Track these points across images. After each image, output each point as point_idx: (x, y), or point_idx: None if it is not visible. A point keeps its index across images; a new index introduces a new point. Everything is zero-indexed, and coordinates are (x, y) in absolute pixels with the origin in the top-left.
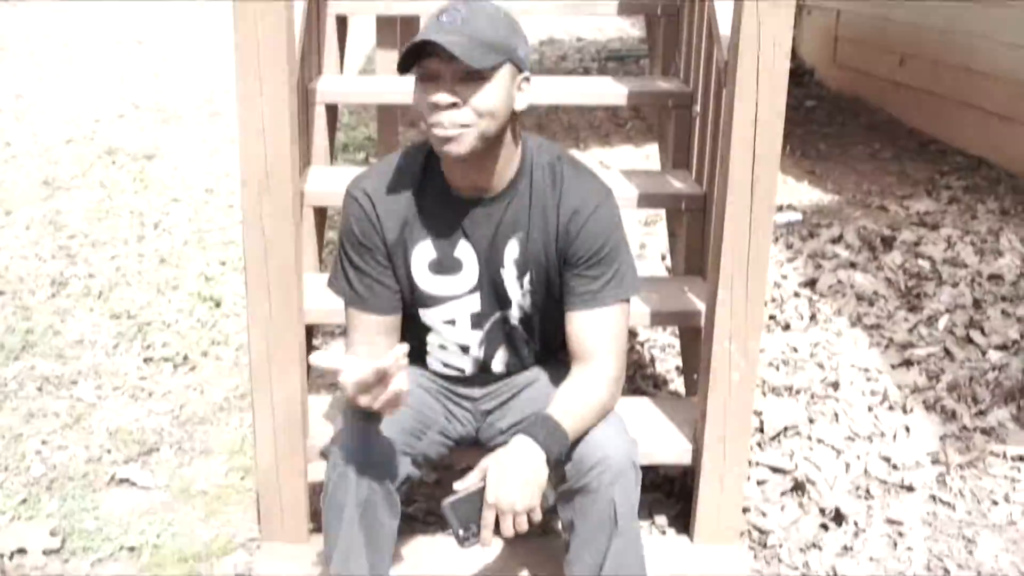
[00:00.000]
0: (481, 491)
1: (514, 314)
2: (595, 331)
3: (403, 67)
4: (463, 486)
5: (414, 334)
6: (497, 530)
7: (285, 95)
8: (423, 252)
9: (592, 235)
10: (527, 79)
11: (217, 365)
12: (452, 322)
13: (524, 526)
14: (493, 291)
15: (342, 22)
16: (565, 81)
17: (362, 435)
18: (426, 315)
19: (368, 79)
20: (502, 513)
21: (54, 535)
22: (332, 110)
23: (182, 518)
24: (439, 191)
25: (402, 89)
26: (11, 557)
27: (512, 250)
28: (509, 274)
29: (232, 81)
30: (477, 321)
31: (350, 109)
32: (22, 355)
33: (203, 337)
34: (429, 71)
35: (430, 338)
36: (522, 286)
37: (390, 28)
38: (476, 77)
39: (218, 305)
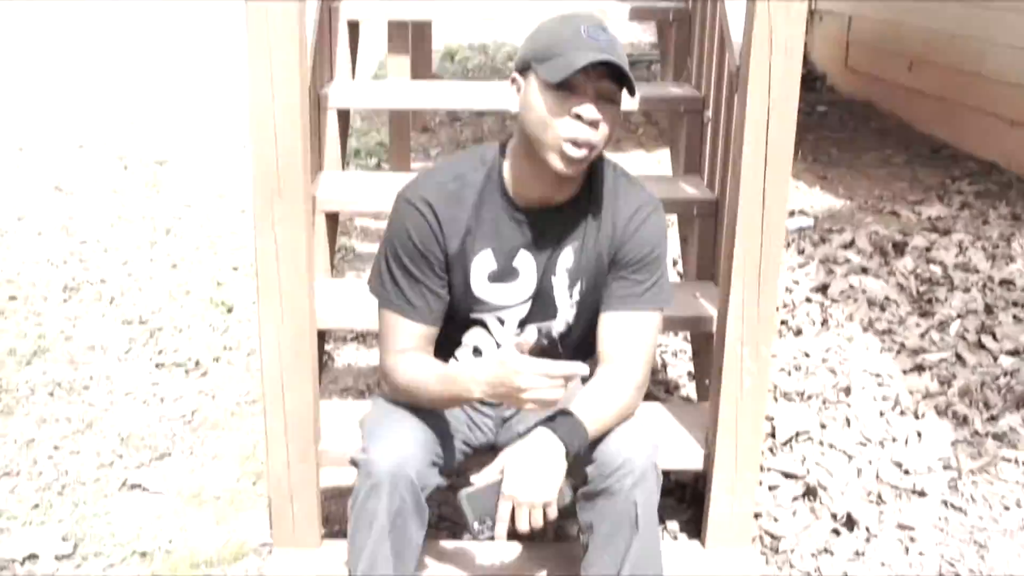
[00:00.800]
0: (498, 484)
1: (557, 326)
2: (628, 334)
3: (560, 82)
4: (481, 477)
5: (450, 338)
6: (512, 525)
7: (297, 101)
8: (483, 262)
9: (644, 239)
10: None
11: (229, 370)
12: (501, 321)
13: (539, 521)
14: (542, 300)
15: (354, 27)
16: None
17: (396, 446)
18: (477, 316)
19: (380, 84)
20: (518, 506)
21: (66, 540)
22: (344, 116)
23: (194, 523)
24: (501, 200)
25: (414, 95)
26: (23, 562)
27: (566, 259)
28: (560, 283)
29: (244, 85)
30: (521, 325)
31: (362, 115)
32: (34, 360)
33: (215, 342)
34: (576, 84)
35: (465, 339)
36: (571, 295)
37: (402, 34)
38: (612, 100)
39: (230, 310)
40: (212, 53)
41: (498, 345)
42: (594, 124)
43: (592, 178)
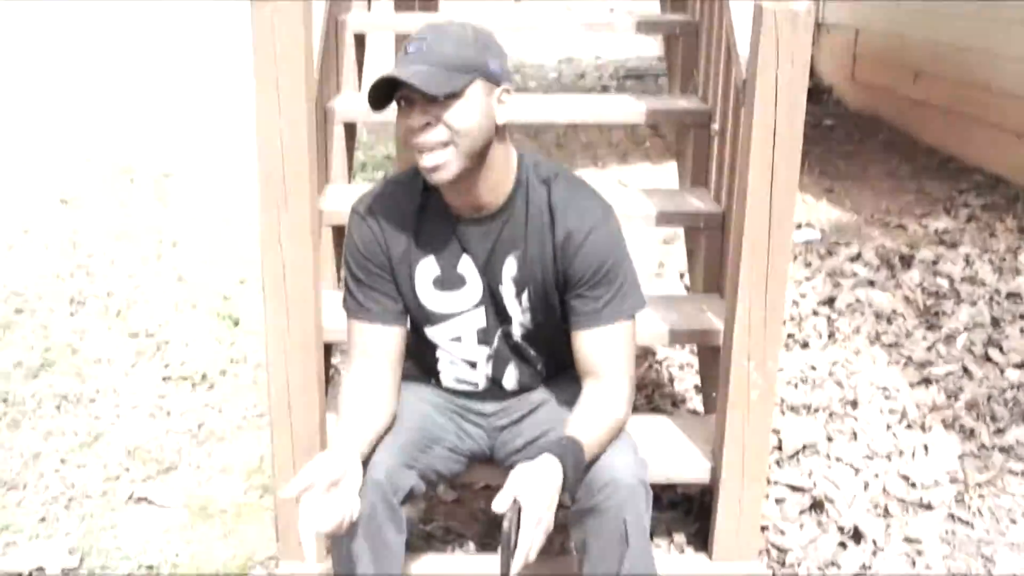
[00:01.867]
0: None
1: (516, 330)
2: (602, 350)
3: (377, 104)
4: (501, 508)
5: (424, 351)
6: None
7: (303, 113)
8: (426, 269)
9: (589, 256)
10: (507, 91)
11: (235, 383)
12: (458, 339)
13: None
14: (494, 306)
15: (360, 40)
16: (584, 99)
17: (337, 447)
18: (432, 333)
19: None
20: (542, 532)
21: (72, 553)
22: (351, 129)
23: (200, 536)
24: (439, 208)
25: None
26: None
27: (510, 268)
28: (508, 291)
29: (251, 99)
30: (484, 337)
31: (369, 128)
32: (40, 373)
33: (221, 355)
34: (404, 99)
35: (440, 355)
36: (520, 303)
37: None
38: (447, 97)
39: (236, 323)
40: (219, 66)
41: (472, 365)
42: (426, 127)
43: (521, 184)
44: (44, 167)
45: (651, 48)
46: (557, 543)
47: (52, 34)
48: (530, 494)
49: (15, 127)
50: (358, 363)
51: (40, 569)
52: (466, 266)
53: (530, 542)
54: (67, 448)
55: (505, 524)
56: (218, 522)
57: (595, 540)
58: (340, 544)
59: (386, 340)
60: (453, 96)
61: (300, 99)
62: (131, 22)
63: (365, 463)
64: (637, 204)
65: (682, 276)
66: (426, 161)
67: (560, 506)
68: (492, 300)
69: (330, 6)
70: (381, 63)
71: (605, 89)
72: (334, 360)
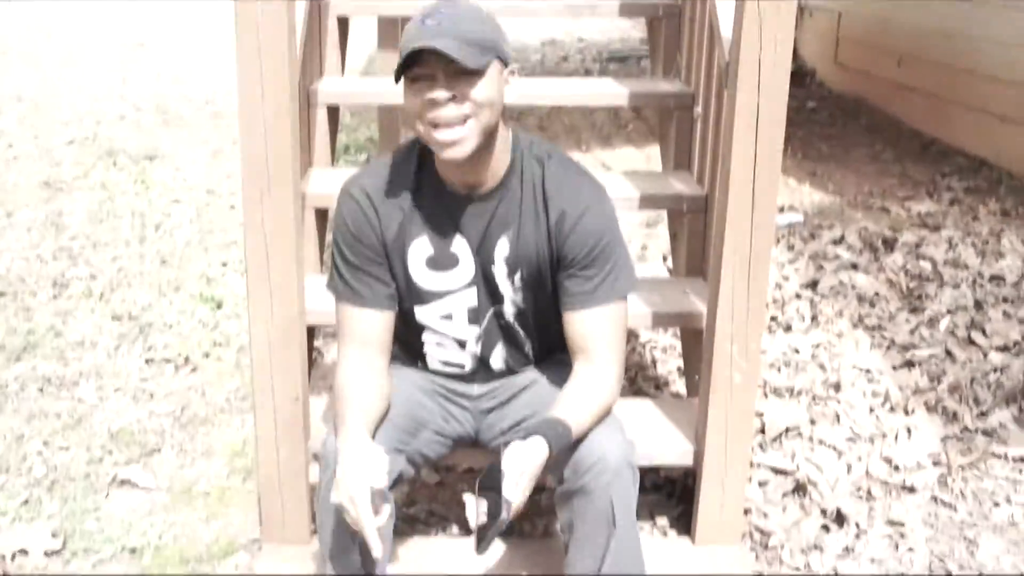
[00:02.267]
0: (481, 484)
1: (508, 310)
2: (594, 330)
3: (399, 75)
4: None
5: (410, 334)
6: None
7: (286, 97)
8: (419, 248)
9: (583, 236)
10: (512, 72)
11: (218, 366)
12: (449, 316)
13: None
14: (486, 286)
15: (343, 23)
16: (566, 82)
17: (352, 435)
18: (422, 312)
19: (369, 80)
20: (514, 512)
21: (55, 536)
22: (333, 112)
23: (184, 519)
24: (434, 188)
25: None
26: (12, 558)
27: (503, 248)
28: (500, 271)
29: (233, 82)
30: (474, 316)
31: (351, 110)
32: (23, 356)
33: (204, 338)
34: (422, 74)
35: (426, 336)
36: (513, 283)
37: (391, 29)
38: (470, 73)
39: (219, 306)
40: (201, 47)
41: (461, 344)
42: (452, 100)
43: (516, 163)
44: (27, 150)
45: (634, 31)
46: (540, 526)
47: (35, 17)
48: (520, 475)
49: None
50: (352, 349)
51: (23, 551)
52: (459, 245)
53: (505, 520)
54: (50, 431)
55: (469, 507)
56: (201, 505)
57: (581, 521)
58: (328, 527)
59: (379, 324)
60: (478, 72)
61: (283, 82)
62: (115, 7)
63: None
64: (620, 187)
65: (665, 259)
66: (444, 135)
67: (542, 488)
68: (484, 280)
69: None
70: (365, 46)
71: (588, 72)
72: (316, 343)
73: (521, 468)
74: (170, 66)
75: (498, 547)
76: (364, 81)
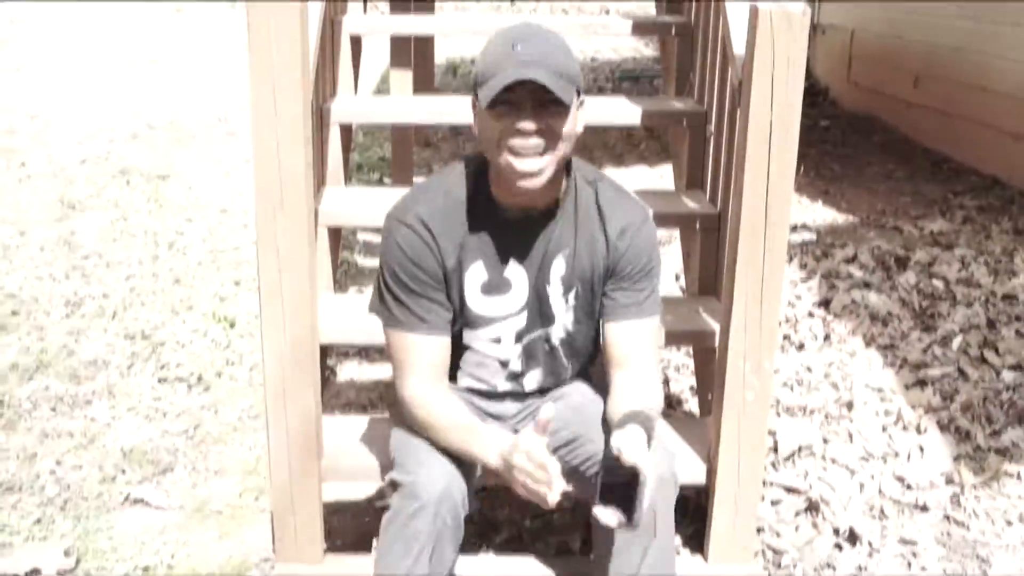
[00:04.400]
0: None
1: (556, 332)
2: (640, 341)
3: (491, 102)
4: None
5: (452, 352)
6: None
7: (299, 115)
8: (475, 274)
9: (640, 250)
10: (583, 103)
11: (231, 385)
12: (498, 340)
13: None
14: (538, 308)
15: (356, 42)
16: None
17: (444, 470)
18: (471, 335)
19: (382, 99)
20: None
21: (68, 555)
22: (346, 130)
23: (196, 538)
24: (489, 212)
25: (416, 110)
26: None
27: (559, 267)
28: (555, 290)
29: (247, 100)
30: (519, 336)
31: (364, 130)
32: (36, 375)
33: (217, 357)
34: (509, 99)
35: (467, 356)
36: (567, 302)
37: (404, 48)
38: (557, 105)
39: (232, 325)
40: (214, 66)
41: (503, 364)
42: (537, 133)
43: (571, 185)
44: (40, 169)
45: (647, 49)
46: (553, 544)
47: (48, 35)
48: (643, 457)
49: (11, 128)
50: (420, 376)
51: (36, 571)
52: (514, 270)
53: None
54: (63, 450)
55: (645, 482)
56: (214, 524)
57: (616, 536)
58: (399, 554)
59: (442, 350)
60: (566, 106)
61: (296, 101)
62: (128, 22)
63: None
64: None
65: (678, 278)
66: (524, 165)
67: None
68: (537, 302)
69: (326, 8)
70: (378, 65)
71: (601, 91)
72: (329, 362)
73: (639, 448)
74: (183, 84)
75: (514, 565)
76: (377, 100)
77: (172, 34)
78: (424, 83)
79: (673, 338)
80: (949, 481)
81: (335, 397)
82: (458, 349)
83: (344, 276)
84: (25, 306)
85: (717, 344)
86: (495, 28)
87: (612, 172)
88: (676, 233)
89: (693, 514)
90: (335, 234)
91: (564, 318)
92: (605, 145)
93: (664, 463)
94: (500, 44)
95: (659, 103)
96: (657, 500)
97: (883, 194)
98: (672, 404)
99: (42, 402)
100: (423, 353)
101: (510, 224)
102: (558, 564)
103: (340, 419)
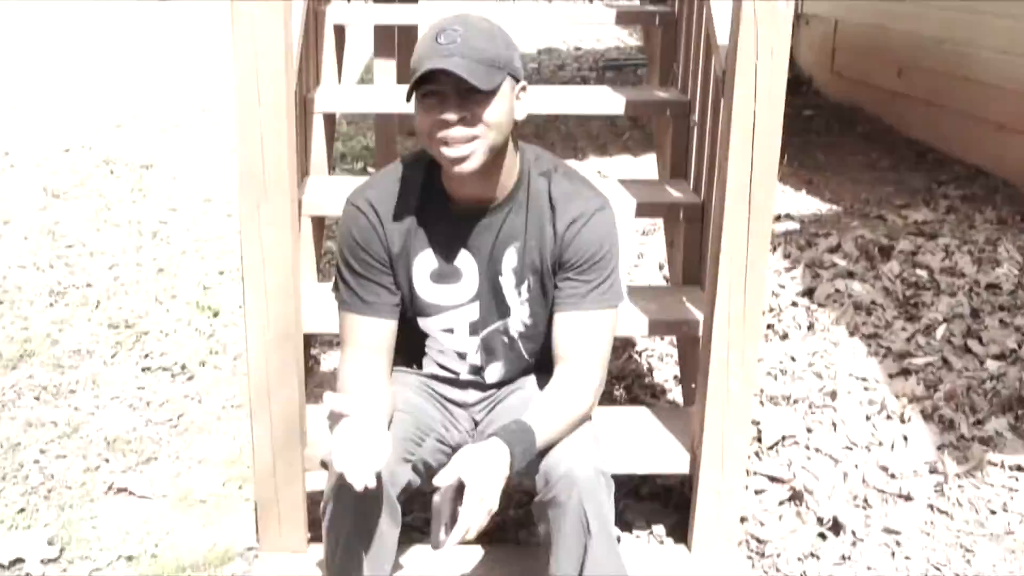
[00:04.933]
0: (457, 490)
1: (514, 324)
2: (579, 335)
3: (411, 93)
4: (443, 483)
5: (412, 338)
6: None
7: (283, 104)
8: (424, 262)
9: (587, 242)
10: (524, 88)
11: (215, 374)
12: (451, 330)
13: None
14: (493, 300)
15: (340, 32)
16: (563, 90)
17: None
18: (425, 324)
19: (366, 89)
20: (484, 511)
21: (52, 544)
22: (330, 120)
23: (180, 527)
24: (440, 201)
25: (400, 99)
26: (9, 566)
27: (510, 258)
28: (508, 282)
29: (230, 90)
30: (474, 328)
31: (348, 119)
32: (20, 364)
33: (201, 346)
34: (434, 91)
35: (429, 342)
36: (520, 294)
37: (388, 38)
38: (482, 93)
39: (216, 314)
40: (198, 56)
41: (461, 356)
42: (462, 122)
43: (524, 176)
44: (24, 158)
45: (631, 39)
46: (515, 535)
47: (31, 26)
48: (473, 473)
49: None
50: (355, 355)
51: (19, 560)
52: (464, 260)
53: (470, 520)
54: (46, 439)
55: (436, 498)
56: (197, 513)
57: (557, 531)
58: (334, 535)
59: (382, 332)
60: (491, 92)
61: (280, 90)
62: (111, 11)
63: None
64: (617, 195)
65: (661, 267)
66: (452, 152)
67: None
68: (490, 293)
69: None
70: (361, 55)
71: (584, 80)
72: (313, 351)
73: (477, 466)
74: (167, 74)
75: (495, 554)
76: (361, 89)
77: (156, 24)
78: (408, 72)
79: (657, 327)
80: (933, 470)
81: (319, 387)
82: (420, 337)
83: (328, 265)
84: (9, 295)
85: (701, 333)
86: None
87: (596, 161)
88: (660, 222)
89: (677, 503)
90: (319, 223)
91: (520, 311)
92: (589, 135)
93: (590, 463)
94: (427, 37)
95: (643, 93)
96: (585, 501)
97: (867, 184)
98: (655, 394)
99: (26, 391)
100: (360, 334)
101: (461, 215)
102: (517, 553)
103: (324, 408)
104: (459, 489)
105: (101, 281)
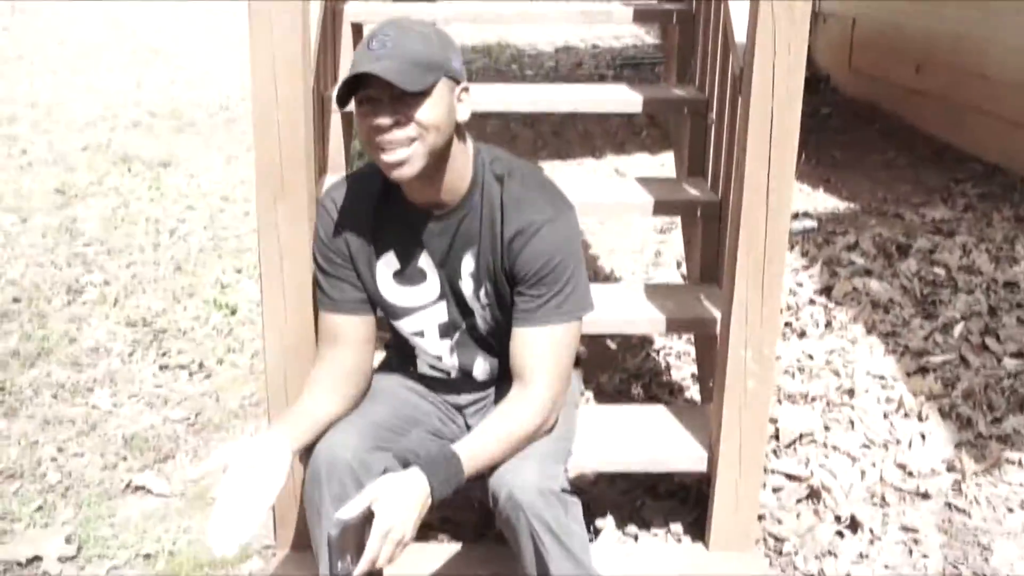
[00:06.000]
0: (364, 519)
1: (479, 324)
2: (531, 351)
3: (343, 102)
4: (347, 515)
5: (401, 340)
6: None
7: (300, 100)
8: (387, 263)
9: (533, 255)
10: (466, 89)
11: (232, 372)
12: (421, 333)
13: (396, 557)
14: (456, 301)
15: (358, 29)
16: (580, 88)
17: (332, 433)
18: (398, 326)
19: None
20: (388, 542)
21: (70, 542)
22: (348, 118)
23: (198, 525)
24: (398, 205)
25: None
26: (27, 564)
27: (468, 264)
28: (467, 286)
29: (248, 89)
30: (445, 331)
31: None
32: (38, 362)
33: (218, 344)
34: (368, 97)
35: (413, 342)
36: (479, 299)
37: None
38: (414, 95)
39: (233, 312)
40: (216, 54)
41: (437, 359)
42: (396, 125)
43: (478, 180)
44: (41, 156)
45: (648, 37)
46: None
47: (50, 24)
48: (384, 505)
49: (12, 116)
50: (321, 351)
51: (37, 558)
52: (426, 261)
53: (376, 552)
54: (64, 437)
55: (333, 531)
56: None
57: (514, 543)
58: (314, 524)
59: (348, 328)
60: (423, 93)
61: (297, 85)
62: (129, 13)
63: (311, 447)
64: (634, 193)
65: (679, 265)
66: (389, 157)
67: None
68: (453, 295)
69: None
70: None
71: (602, 78)
72: None
73: (390, 498)
74: (184, 72)
75: (480, 553)
76: None
77: (173, 22)
78: None
79: (674, 325)
80: (950, 468)
81: None
82: (406, 338)
83: None
84: (26, 293)
85: (718, 331)
86: (494, 14)
87: (614, 159)
88: (678, 220)
89: (694, 501)
90: None
91: (482, 313)
92: (607, 132)
93: (530, 484)
94: (362, 44)
95: (660, 90)
96: (532, 521)
97: (884, 181)
98: (673, 392)
99: (43, 389)
100: (326, 328)
101: (418, 217)
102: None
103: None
104: (369, 519)
105: (119, 279)
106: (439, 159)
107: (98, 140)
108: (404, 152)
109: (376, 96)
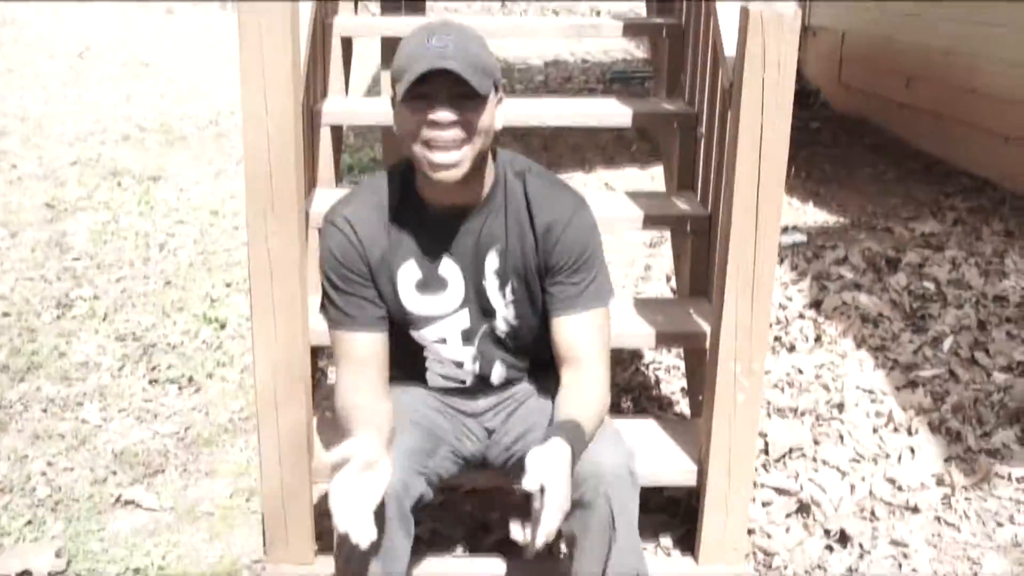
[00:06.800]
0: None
1: (500, 325)
2: (581, 335)
3: (406, 94)
4: (533, 487)
5: (409, 352)
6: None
7: (290, 116)
8: (408, 273)
9: (570, 244)
10: (501, 100)
11: (222, 387)
12: (443, 340)
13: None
14: (478, 303)
15: (347, 44)
16: (570, 102)
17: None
18: (418, 335)
19: (373, 101)
20: (562, 515)
21: (59, 557)
22: (337, 132)
23: (187, 539)
24: (418, 211)
25: None
26: None
27: (492, 262)
28: (492, 284)
29: (237, 104)
30: (467, 336)
31: (355, 131)
32: (27, 377)
33: (208, 359)
34: (424, 93)
35: (427, 355)
36: (504, 296)
37: (395, 49)
38: (472, 97)
39: (223, 327)
40: (206, 69)
41: (458, 365)
42: (453, 124)
43: (499, 180)
44: (31, 170)
45: (638, 51)
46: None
47: (40, 37)
48: (553, 477)
49: (1, 130)
50: (350, 371)
51: (26, 572)
52: (448, 267)
53: (553, 523)
54: (54, 451)
55: (536, 504)
56: (205, 525)
57: (583, 532)
58: (346, 549)
59: (373, 346)
60: (483, 98)
61: (286, 100)
62: (118, 26)
63: None
64: (623, 207)
65: (668, 279)
66: (440, 157)
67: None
68: (476, 297)
69: (317, 9)
70: (368, 67)
71: (591, 92)
72: (320, 363)
73: (554, 469)
74: (175, 86)
75: (498, 565)
76: (368, 101)
77: (163, 36)
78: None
79: (664, 339)
80: (940, 482)
81: (326, 399)
82: (417, 349)
83: None
84: (16, 308)
85: (708, 345)
86: (485, 29)
87: (603, 173)
88: (667, 234)
89: (684, 515)
90: None
91: (505, 312)
92: (596, 146)
93: (618, 459)
94: (416, 38)
95: (650, 104)
96: (612, 498)
97: (874, 195)
98: (662, 405)
99: (33, 403)
100: (351, 349)
101: (439, 222)
102: (536, 567)
103: (331, 420)
104: (542, 491)
105: (108, 293)
106: (480, 163)
107: (88, 154)
108: (456, 155)
109: (433, 93)
